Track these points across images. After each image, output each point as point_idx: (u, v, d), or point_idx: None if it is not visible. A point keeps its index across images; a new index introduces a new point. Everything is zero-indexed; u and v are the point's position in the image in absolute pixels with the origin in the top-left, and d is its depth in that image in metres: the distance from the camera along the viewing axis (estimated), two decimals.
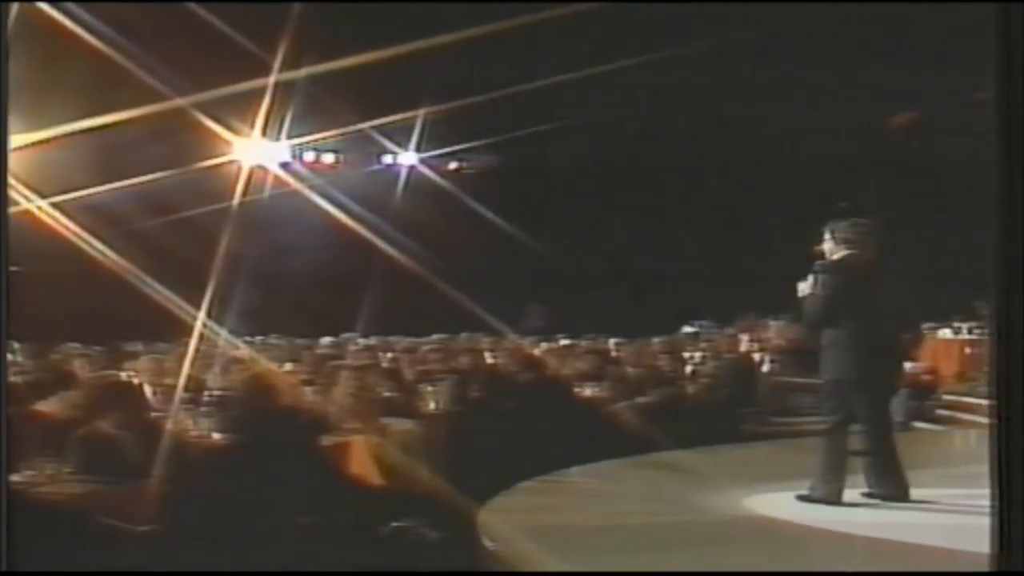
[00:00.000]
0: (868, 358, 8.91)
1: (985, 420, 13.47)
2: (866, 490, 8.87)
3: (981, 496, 8.33)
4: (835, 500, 8.73)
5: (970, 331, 18.69)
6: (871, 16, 18.75)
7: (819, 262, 9.23)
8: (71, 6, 16.67)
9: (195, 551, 6.89)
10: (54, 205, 18.86)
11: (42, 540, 6.09)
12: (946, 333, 18.42)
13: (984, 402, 15.90)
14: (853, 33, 19.89)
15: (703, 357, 17.51)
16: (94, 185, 20.48)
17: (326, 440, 9.43)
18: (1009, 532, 3.71)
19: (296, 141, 25.27)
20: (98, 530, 6.73)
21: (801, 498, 8.84)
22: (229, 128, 22.46)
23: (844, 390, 8.90)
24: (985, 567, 3.90)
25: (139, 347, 17.59)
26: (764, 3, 18.91)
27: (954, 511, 8.58)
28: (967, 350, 18.62)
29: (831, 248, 9.16)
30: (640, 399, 13.17)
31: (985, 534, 3.80)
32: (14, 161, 14.02)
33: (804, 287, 9.21)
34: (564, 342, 19.22)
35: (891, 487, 8.78)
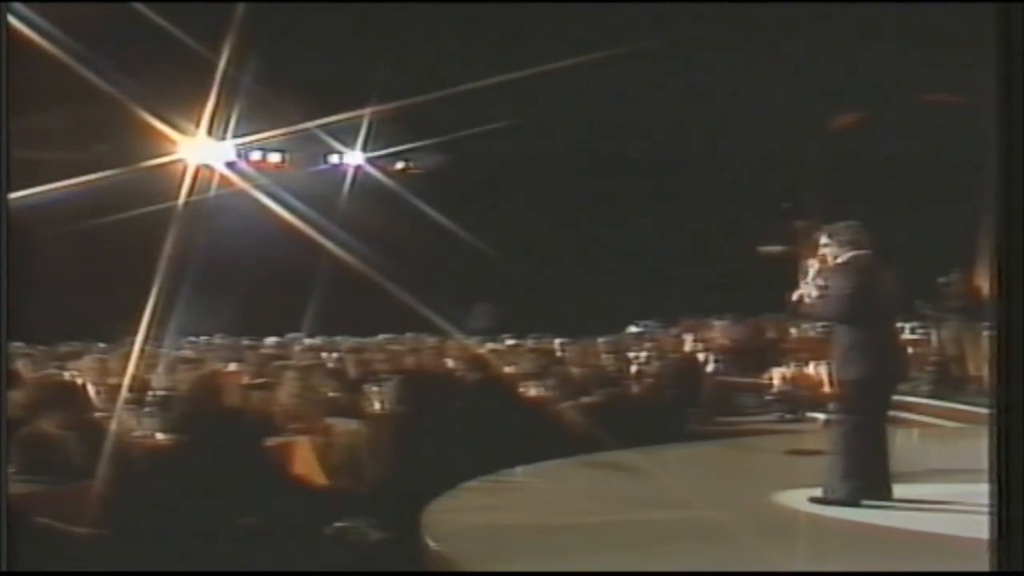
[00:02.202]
0: (884, 357, 9.09)
1: (925, 419, 13.63)
2: (819, 495, 8.95)
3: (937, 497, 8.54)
4: (853, 502, 8.74)
5: (912, 331, 18.81)
6: (818, 15, 18.84)
7: (821, 265, 9.31)
8: (15, 5, 16.54)
9: (137, 551, 6.87)
10: None
11: None
12: None
13: (926, 401, 16.10)
14: (798, 33, 20.00)
15: (648, 357, 17.56)
16: (37, 184, 20.33)
17: (270, 440, 9.44)
18: (1008, 529, 3.71)
19: (242, 140, 25.15)
20: (40, 530, 6.71)
21: (815, 500, 8.90)
22: (174, 127, 22.34)
23: (864, 389, 8.98)
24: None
25: (82, 347, 17.51)
26: (715, 2, 18.99)
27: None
28: (909, 349, 18.74)
29: (835, 251, 9.22)
30: (585, 399, 13.20)
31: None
32: None
33: (807, 289, 9.31)
34: (509, 342, 19.23)
35: (845, 491, 8.82)
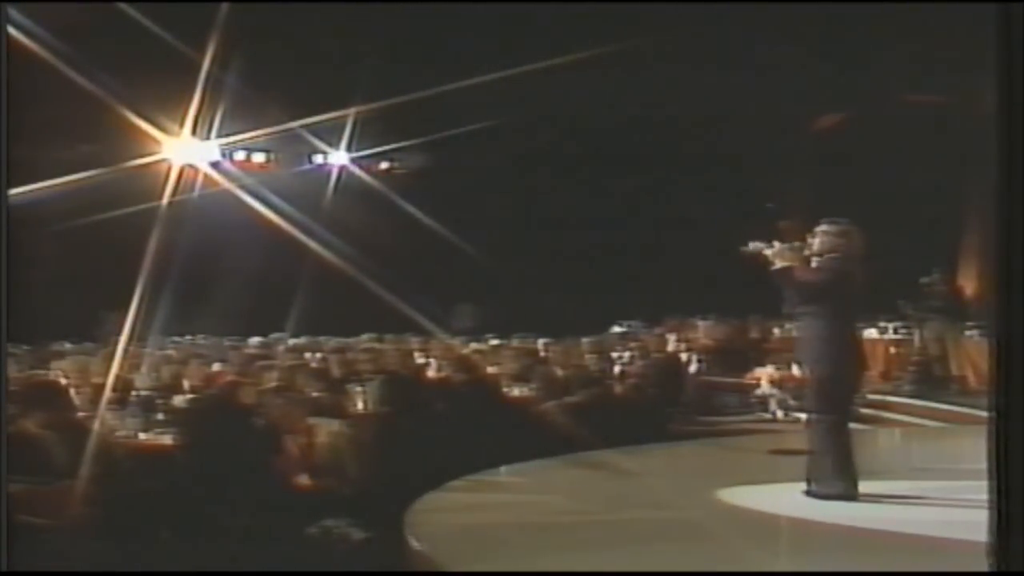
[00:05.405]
0: (852, 354, 9.29)
1: (908, 419, 13.66)
2: (808, 488, 9.00)
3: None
4: (853, 495, 8.84)
5: (895, 331, 18.88)
6: (801, 15, 18.87)
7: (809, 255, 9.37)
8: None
9: (120, 551, 6.88)
10: None
11: None
12: (871, 333, 18.56)
13: (910, 401, 16.16)
14: (781, 32, 20.03)
15: (631, 357, 17.58)
16: (19, 183, 20.26)
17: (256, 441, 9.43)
18: (1007, 528, 3.71)
19: (226, 140, 25.09)
20: (22, 529, 6.70)
21: (811, 495, 8.95)
22: (158, 127, 22.28)
23: (837, 386, 9.09)
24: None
25: (66, 346, 17.51)
26: (696, 2, 19.01)
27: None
28: (892, 349, 18.82)
29: (832, 243, 9.25)
30: (568, 399, 13.20)
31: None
32: None
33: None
34: (493, 342, 19.26)
35: (842, 485, 8.88)
